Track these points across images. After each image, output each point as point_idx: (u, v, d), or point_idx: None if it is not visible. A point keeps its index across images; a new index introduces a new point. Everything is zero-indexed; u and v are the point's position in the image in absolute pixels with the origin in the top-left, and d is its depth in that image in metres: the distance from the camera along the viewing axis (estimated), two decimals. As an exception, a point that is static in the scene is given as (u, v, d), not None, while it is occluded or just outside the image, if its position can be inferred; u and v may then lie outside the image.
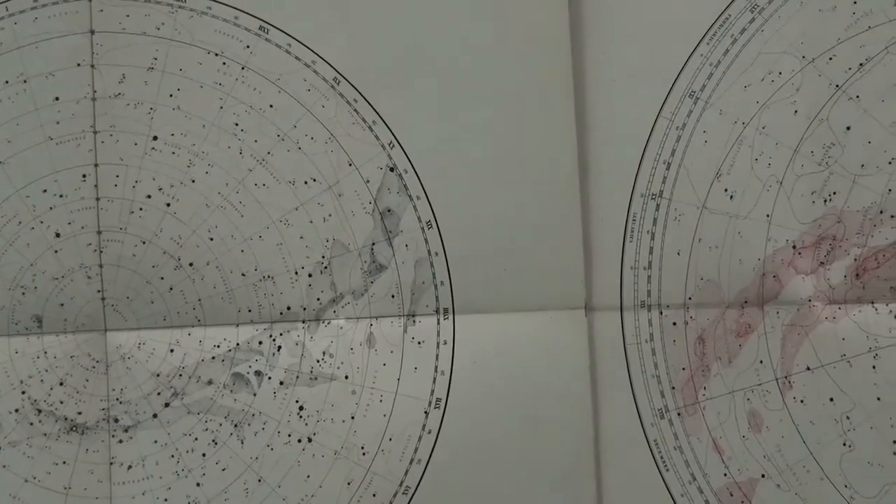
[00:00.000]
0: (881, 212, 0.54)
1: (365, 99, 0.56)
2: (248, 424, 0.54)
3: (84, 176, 0.54)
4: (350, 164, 0.56)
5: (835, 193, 0.55)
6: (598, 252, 0.56)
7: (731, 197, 0.55)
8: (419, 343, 0.55)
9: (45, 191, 0.53)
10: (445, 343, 0.55)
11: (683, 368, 0.56)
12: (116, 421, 0.54)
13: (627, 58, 0.56)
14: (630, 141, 0.57)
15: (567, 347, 0.55)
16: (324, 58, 0.56)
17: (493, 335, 0.55)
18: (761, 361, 0.55)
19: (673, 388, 0.56)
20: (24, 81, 0.52)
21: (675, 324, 0.56)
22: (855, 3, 0.55)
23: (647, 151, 0.56)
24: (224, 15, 0.56)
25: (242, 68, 0.56)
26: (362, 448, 0.55)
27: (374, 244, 0.56)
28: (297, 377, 0.56)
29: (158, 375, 0.55)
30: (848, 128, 0.55)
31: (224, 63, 0.56)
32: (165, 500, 0.54)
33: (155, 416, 0.54)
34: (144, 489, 0.54)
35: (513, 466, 0.54)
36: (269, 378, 0.55)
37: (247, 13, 0.56)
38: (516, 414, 0.55)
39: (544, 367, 0.55)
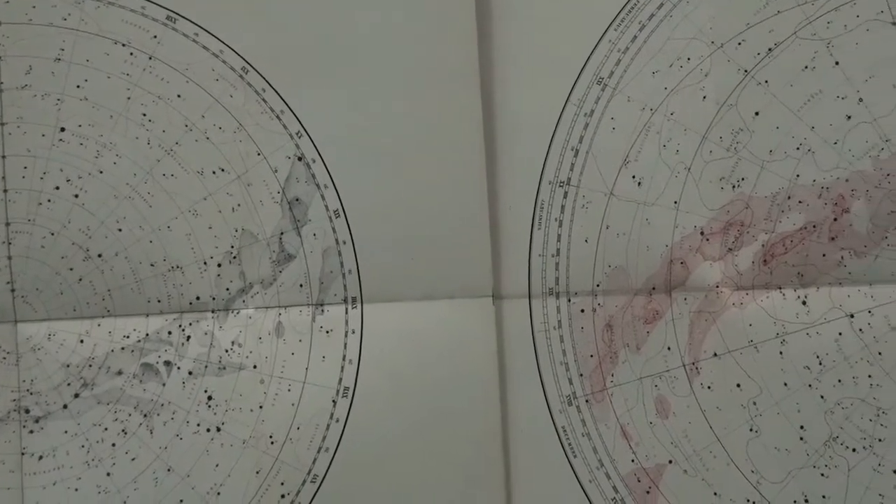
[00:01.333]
0: (789, 197, 0.51)
1: (273, 88, 0.54)
2: (158, 414, 0.53)
3: (-10, 168, 0.69)
4: (258, 154, 0.54)
5: (743, 179, 0.52)
6: (506, 240, 0.53)
7: (639, 184, 0.52)
8: (327, 332, 0.52)
9: (-50, 183, 0.67)
10: (353, 332, 0.53)
11: (591, 355, 0.53)
12: (27, 412, 0.52)
13: (536, 45, 0.53)
14: (538, 128, 0.53)
15: (475, 335, 0.52)
16: (232, 47, 0.54)
17: (401, 323, 0.52)
18: (669, 348, 0.52)
19: (581, 374, 0.52)
20: (-73, 71, 0.66)
21: (583, 311, 0.52)
22: None
23: (556, 139, 0.53)
24: (131, 5, 0.54)
25: (150, 58, 0.54)
26: (270, 437, 0.53)
27: (282, 234, 0.54)
28: (206, 367, 0.53)
29: (68, 366, 0.53)
30: (757, 113, 0.52)
31: (131, 53, 0.54)
32: (76, 489, 0.52)
33: (65, 406, 0.53)
34: (55, 479, 0.52)
35: (421, 454, 0.52)
36: (179, 368, 0.53)
37: (154, 3, 0.53)
38: (424, 402, 0.52)
39: (452, 355, 0.52)
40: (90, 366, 0.53)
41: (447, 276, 0.53)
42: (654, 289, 0.53)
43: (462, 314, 0.53)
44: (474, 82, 0.53)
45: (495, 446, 0.52)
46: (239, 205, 0.54)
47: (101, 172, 0.53)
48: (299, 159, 0.54)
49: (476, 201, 0.53)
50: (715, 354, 0.53)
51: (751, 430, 0.52)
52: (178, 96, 0.54)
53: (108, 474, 0.52)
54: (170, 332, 0.54)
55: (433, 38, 0.53)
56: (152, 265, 0.54)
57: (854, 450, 0.51)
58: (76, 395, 0.53)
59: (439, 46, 0.53)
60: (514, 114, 0.54)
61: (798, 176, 0.53)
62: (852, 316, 0.52)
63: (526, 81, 0.54)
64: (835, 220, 0.51)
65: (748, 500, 0.52)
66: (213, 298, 0.54)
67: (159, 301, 0.54)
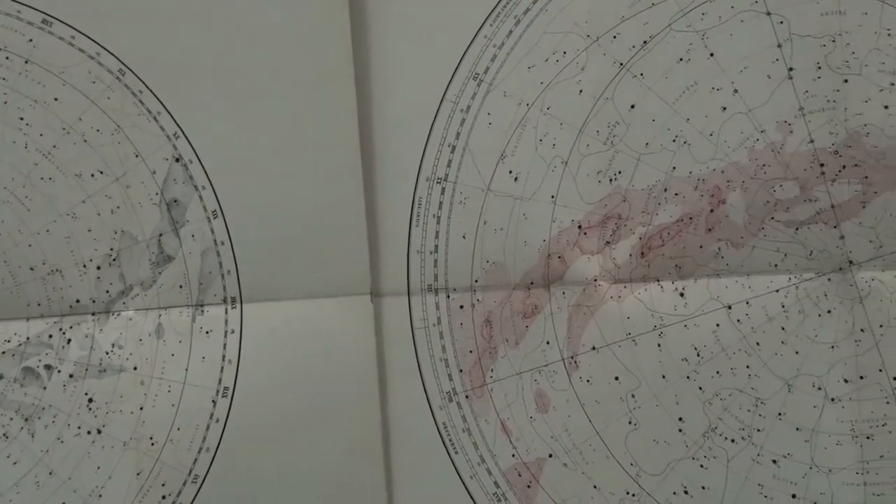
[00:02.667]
0: (665, 190, 0.49)
1: (150, 90, 0.51)
2: (39, 418, 0.50)
3: None
4: (136, 156, 0.51)
5: (620, 172, 0.49)
6: (384, 238, 0.50)
7: (516, 179, 0.49)
8: (207, 332, 0.50)
9: None
10: (233, 332, 0.50)
11: (471, 351, 0.49)
12: (-89, 417, 0.53)
13: (412, 42, 0.50)
14: (415, 125, 0.50)
15: (354, 333, 0.49)
16: (108, 49, 0.51)
17: (281, 323, 0.50)
18: (548, 342, 0.49)
19: (461, 370, 0.49)
20: None
21: (462, 307, 0.49)
22: None
23: (432, 135, 0.50)
24: (6, 9, 0.51)
25: (26, 62, 0.51)
26: (151, 438, 0.50)
27: (161, 235, 0.51)
28: (87, 370, 0.51)
29: (-49, 370, 0.55)
30: (632, 106, 0.49)
31: (7, 57, 0.51)
32: (-40, 493, 0.54)
33: (-51, 410, 0.54)
34: (-59, 483, 0.53)
35: (301, 452, 0.49)
36: (59, 371, 0.51)
37: (29, 6, 0.51)
38: (304, 400, 0.49)
39: (331, 354, 0.49)
40: (-28, 370, 0.56)
41: (325, 275, 0.50)
42: (532, 283, 0.50)
43: (341, 312, 0.50)
44: (349, 81, 0.50)
45: (376, 443, 0.50)
46: (118, 207, 0.51)
47: (-22, 176, 0.56)
48: (177, 160, 0.51)
49: (353, 200, 0.50)
50: (593, 348, 0.49)
51: (630, 422, 0.49)
52: (55, 99, 0.51)
53: (-8, 478, 0.55)
54: (50, 336, 0.51)
55: (307, 39, 0.50)
56: (31, 269, 0.51)
57: (733, 440, 0.48)
58: (-41, 400, 0.56)
59: (314, 47, 0.50)
60: (391, 111, 0.50)
61: (674, 168, 0.49)
62: (730, 307, 0.49)
63: (402, 79, 0.50)
64: (711, 211, 0.49)
65: (628, 493, 0.49)
66: (94, 301, 0.51)
67: (39, 304, 0.51)
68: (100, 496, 0.49)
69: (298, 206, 0.50)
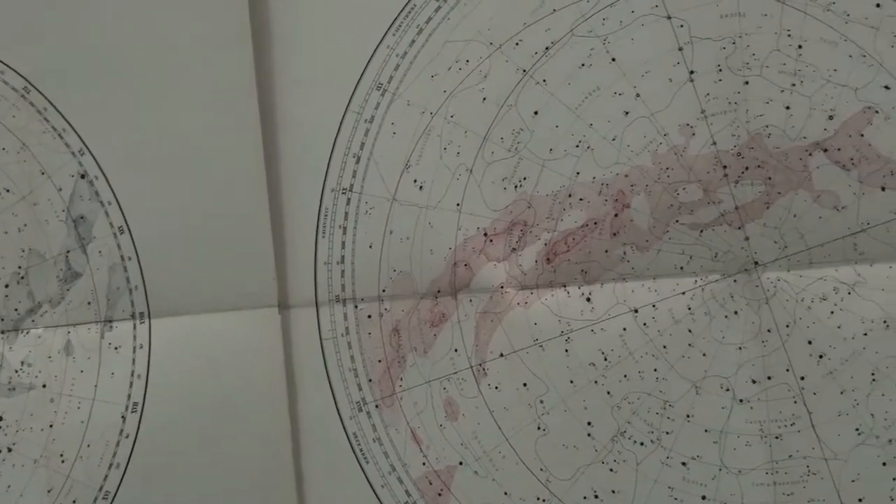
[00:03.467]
0: (570, 195, 0.47)
1: (55, 107, 0.49)
2: (-51, 437, 0.49)
3: None
4: (42, 173, 0.50)
5: (525, 179, 0.47)
6: (291, 249, 0.49)
7: (421, 188, 0.48)
8: (116, 348, 0.48)
9: None
10: (142, 347, 0.48)
11: (380, 360, 0.48)
12: None
13: (315, 53, 0.48)
14: (319, 136, 0.48)
15: (262, 345, 0.48)
16: (13, 67, 0.50)
17: (189, 337, 0.48)
18: (456, 350, 0.47)
19: (370, 380, 0.48)
20: None
21: (370, 316, 0.48)
22: None
23: (337, 146, 0.48)
24: None
25: (-71, 80, 0.50)
26: (61, 455, 0.49)
27: (68, 252, 0.50)
28: (-3, 388, 0.50)
29: None
30: (536, 112, 0.47)
31: (-89, 75, 0.50)
32: None
33: None
34: None
35: (212, 466, 0.48)
36: (-31, 390, 0.49)
37: (-69, 24, 0.49)
38: (213, 414, 0.48)
39: (240, 367, 0.48)
40: None
41: (232, 288, 0.48)
42: (439, 292, 0.48)
43: (248, 325, 0.48)
44: (251, 94, 0.48)
45: (286, 455, 0.48)
46: (25, 225, 0.50)
47: None
48: (82, 177, 0.49)
49: (258, 213, 0.48)
50: (501, 355, 0.47)
51: (538, 428, 0.47)
52: (-40, 118, 0.49)
53: None
54: (-40, 354, 0.49)
55: (209, 54, 0.48)
56: (-60, 287, 0.49)
57: (642, 444, 0.46)
58: None
59: (216, 61, 0.48)
60: (295, 122, 0.49)
61: (578, 173, 0.47)
62: (636, 311, 0.47)
63: (306, 90, 0.49)
64: (616, 215, 0.47)
65: (538, 499, 0.47)
66: (2, 319, 0.50)
67: (-52, 323, 0.50)
68: (11, 514, 0.48)
69: (204, 220, 0.48)
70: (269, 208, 0.48)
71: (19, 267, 0.48)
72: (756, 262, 0.48)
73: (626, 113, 0.48)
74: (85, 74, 0.47)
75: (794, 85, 0.48)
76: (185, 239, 0.48)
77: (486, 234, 0.48)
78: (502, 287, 0.48)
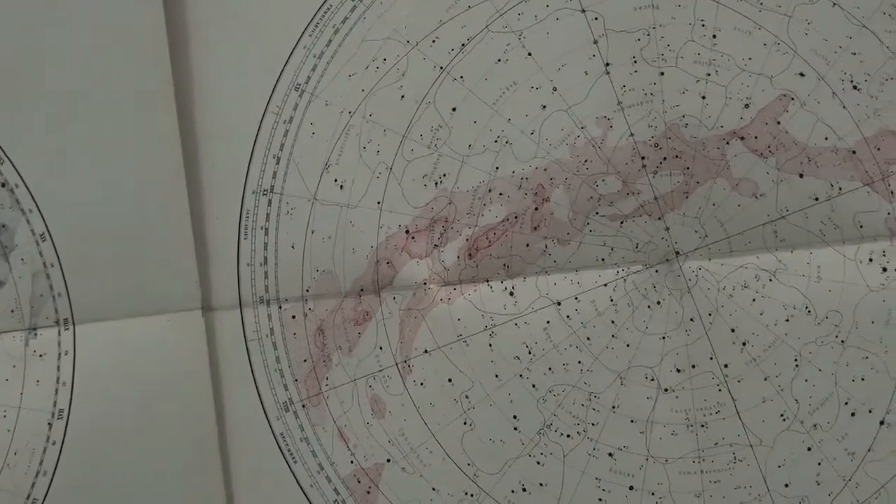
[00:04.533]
0: (490, 190, 0.45)
1: (-25, 118, 0.42)
2: None
3: None
4: None
5: (445, 175, 0.45)
6: (214, 251, 0.47)
7: (342, 187, 0.46)
8: (41, 356, 0.47)
9: None
10: (67, 353, 0.47)
11: (305, 360, 0.46)
12: None
13: (232, 55, 0.47)
14: (239, 138, 0.47)
15: (186, 349, 0.46)
16: (-66, 79, 0.42)
17: (114, 342, 0.46)
18: (381, 347, 0.46)
19: (296, 380, 0.46)
20: None
21: (294, 317, 0.46)
22: None
23: (257, 147, 0.47)
24: None
25: None
26: None
27: None
28: (-76, 398, 0.42)
29: None
30: (454, 109, 0.45)
31: None
32: None
33: None
34: None
35: (139, 471, 0.46)
36: None
37: None
38: (139, 419, 0.46)
39: (165, 371, 0.46)
40: None
41: (155, 292, 0.46)
42: (362, 290, 0.46)
43: (172, 328, 0.46)
44: (169, 97, 0.46)
45: (214, 458, 0.46)
46: (-50, 234, 0.42)
47: None
48: (2, 186, 0.47)
49: (179, 216, 0.46)
50: (426, 351, 0.45)
51: (465, 423, 0.45)
52: None
53: None
54: None
55: (125, 58, 0.46)
56: None
57: (568, 436, 0.44)
58: None
59: (132, 66, 0.46)
60: (215, 125, 0.47)
61: (497, 168, 0.45)
62: (559, 303, 0.45)
63: (225, 92, 0.47)
64: (536, 209, 0.45)
65: (466, 493, 0.45)
66: (-71, 329, 0.43)
67: None
68: (-59, 524, 0.45)
69: (126, 225, 0.46)
70: (189, 211, 0.46)
71: (-55, 277, 0.46)
72: (677, 252, 0.46)
73: (544, 107, 0.46)
74: (1, 85, 0.46)
75: (709, 74, 0.46)
76: (107, 245, 0.46)
77: (407, 232, 0.47)
78: (425, 283, 0.47)
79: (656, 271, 0.43)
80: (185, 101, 0.44)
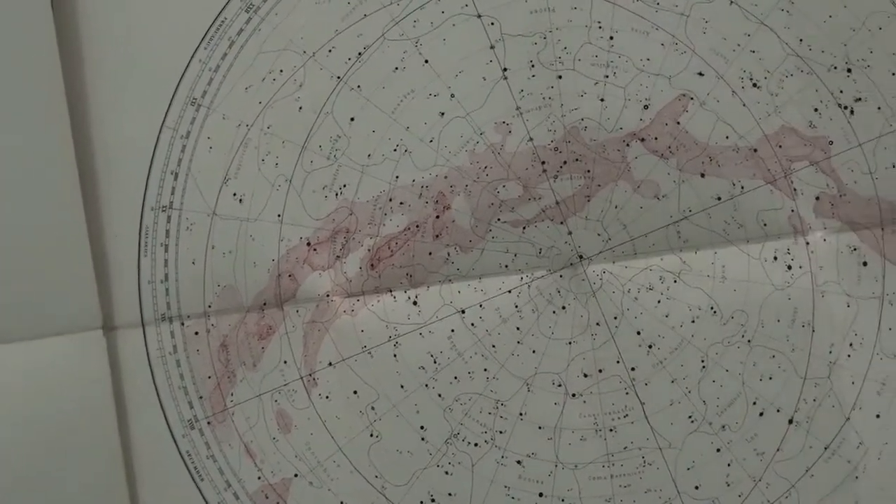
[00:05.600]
0: (390, 200, 0.43)
1: None
2: None
3: None
4: None
5: (345, 186, 0.43)
6: (114, 270, 0.45)
7: (241, 201, 0.44)
8: None
9: None
10: None
11: (209, 377, 0.45)
12: None
13: (127, 71, 0.45)
14: (136, 155, 0.45)
15: (88, 369, 0.45)
16: None
17: (16, 365, 0.45)
18: (285, 362, 0.44)
19: (201, 397, 0.45)
20: None
21: (197, 333, 0.45)
22: None
23: (154, 164, 0.45)
24: None
25: None
26: None
27: None
28: None
29: None
30: (353, 119, 0.43)
31: None
32: None
33: None
34: None
35: (45, 494, 0.45)
36: None
37: None
38: (44, 441, 0.45)
39: (68, 392, 0.45)
40: None
41: (56, 313, 0.45)
42: (265, 304, 0.44)
43: (74, 349, 0.45)
44: (63, 112, 0.45)
45: (119, 479, 0.45)
46: None
47: None
48: None
49: (76, 234, 0.45)
50: (330, 364, 0.44)
51: (371, 435, 0.43)
52: None
53: None
54: None
55: (13, 72, 0.45)
56: None
57: (476, 444, 0.43)
58: None
59: (22, 79, 0.45)
60: (111, 142, 0.45)
61: (398, 177, 0.43)
62: (463, 311, 0.43)
63: (121, 108, 0.45)
64: (437, 217, 0.43)
65: None
66: None
67: None
68: None
69: (24, 246, 0.43)
70: (87, 230, 0.44)
71: None
72: (581, 256, 0.45)
73: (442, 114, 0.45)
74: None
75: (607, 76, 0.44)
76: (5, 266, 0.44)
77: (309, 244, 0.45)
78: (328, 295, 0.45)
79: (560, 276, 0.42)
80: (80, 118, 0.42)
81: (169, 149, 0.40)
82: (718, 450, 0.38)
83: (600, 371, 0.39)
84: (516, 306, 0.39)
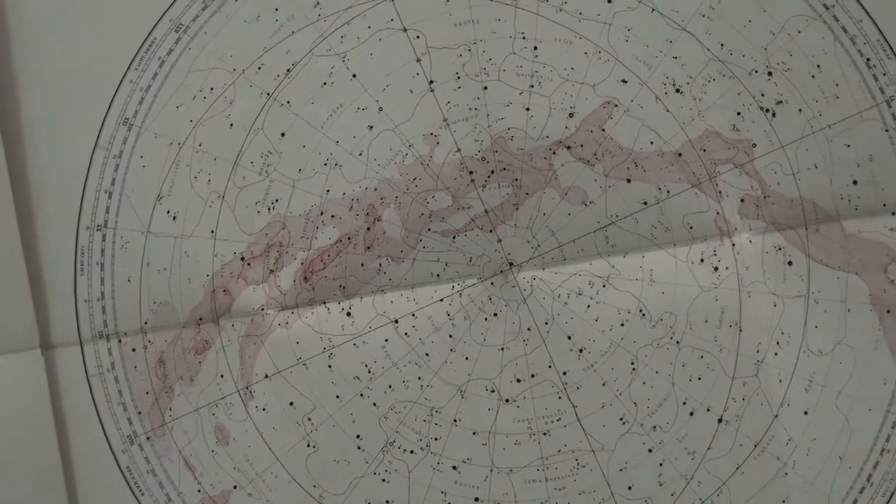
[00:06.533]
0: (322, 213, 0.43)
1: None
2: None
3: None
4: None
5: (277, 201, 0.43)
6: (50, 289, 0.45)
7: (175, 218, 0.44)
8: None
9: None
10: None
11: (147, 392, 0.44)
12: None
13: (59, 92, 0.45)
14: (70, 175, 0.44)
15: (27, 387, 0.44)
16: None
17: None
18: (222, 375, 0.44)
19: (140, 413, 0.44)
20: None
21: (134, 350, 0.44)
22: (277, 10, 0.43)
23: (89, 183, 0.45)
24: None
25: None
26: None
27: None
28: None
29: None
30: (283, 134, 0.43)
31: None
32: None
33: None
34: None
35: None
36: None
37: None
38: None
39: (6, 410, 0.44)
40: None
41: None
42: (201, 319, 0.44)
43: (10, 369, 0.44)
44: None
45: (60, 495, 0.45)
46: None
47: None
48: None
49: (11, 255, 0.44)
50: (266, 376, 0.43)
51: (308, 445, 0.43)
52: None
53: None
54: None
55: None
56: None
57: (412, 452, 0.42)
58: None
59: None
60: (45, 163, 0.45)
61: (328, 191, 0.43)
62: (397, 321, 0.42)
63: (54, 129, 0.45)
64: (368, 229, 0.43)
65: None
66: None
67: None
68: None
69: None
70: (22, 250, 0.44)
71: None
72: (511, 263, 0.44)
73: (371, 127, 0.44)
74: None
75: (532, 86, 0.44)
76: (-57, 288, 0.43)
77: (243, 259, 0.45)
78: (263, 309, 0.44)
79: (491, 284, 0.41)
80: (14, 140, 0.42)
81: (103, 168, 0.40)
82: (650, 450, 0.38)
83: (533, 376, 0.39)
84: (448, 314, 0.39)
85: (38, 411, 0.40)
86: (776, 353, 0.37)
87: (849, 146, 0.36)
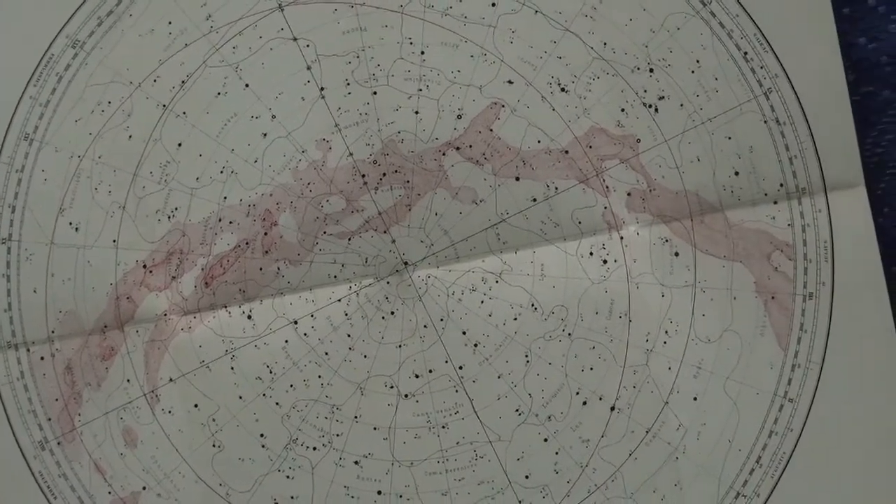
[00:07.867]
0: (220, 220, 0.43)
1: None
2: None
3: None
4: None
5: (177, 209, 0.43)
6: None
7: (77, 229, 0.44)
8: None
9: None
10: None
11: (56, 399, 0.44)
12: None
13: None
14: None
15: None
16: None
17: None
18: (128, 380, 0.43)
19: (49, 419, 0.44)
20: None
21: (42, 358, 0.44)
22: (170, 23, 0.43)
23: None
24: None
25: None
26: None
27: None
28: None
29: None
30: (180, 144, 0.43)
31: None
32: None
33: None
34: None
35: None
36: None
37: None
38: None
39: None
40: None
41: None
42: (106, 327, 0.44)
43: None
44: None
45: None
46: None
47: None
48: None
49: None
50: (171, 380, 0.43)
51: (214, 445, 0.43)
52: None
53: None
54: None
55: None
56: None
57: (315, 448, 0.42)
58: None
59: None
60: None
61: (226, 198, 0.43)
62: (296, 322, 0.42)
63: None
64: (265, 234, 0.43)
65: None
66: None
67: None
68: None
69: None
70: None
71: None
72: (406, 263, 0.44)
73: (265, 135, 0.44)
74: None
75: (420, 90, 0.44)
76: None
77: (145, 266, 0.45)
78: (166, 315, 0.44)
79: (387, 283, 0.41)
80: (-82, 160, 0.42)
81: (5, 183, 0.39)
82: (546, 440, 0.38)
83: (430, 371, 0.39)
84: (346, 314, 0.39)
85: (-51, 421, 0.39)
86: (665, 342, 0.37)
87: (730, 138, 0.36)
